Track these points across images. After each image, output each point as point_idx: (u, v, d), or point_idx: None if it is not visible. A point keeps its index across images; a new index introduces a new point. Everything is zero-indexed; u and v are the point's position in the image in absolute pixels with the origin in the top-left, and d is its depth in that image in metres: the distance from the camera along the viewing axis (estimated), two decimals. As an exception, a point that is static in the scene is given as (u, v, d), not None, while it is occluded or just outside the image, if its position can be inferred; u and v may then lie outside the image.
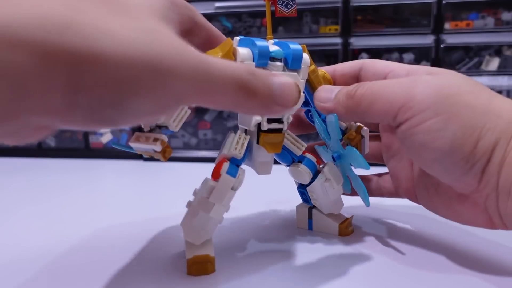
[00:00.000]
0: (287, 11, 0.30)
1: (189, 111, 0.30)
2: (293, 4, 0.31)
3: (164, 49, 0.19)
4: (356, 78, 0.33)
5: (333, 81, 0.34)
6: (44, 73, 0.17)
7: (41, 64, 0.16)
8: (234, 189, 0.29)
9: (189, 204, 0.30)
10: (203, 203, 0.29)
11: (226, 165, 0.29)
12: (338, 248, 0.33)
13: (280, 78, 0.24)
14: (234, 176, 0.29)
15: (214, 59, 0.22)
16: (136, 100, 0.19)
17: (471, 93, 0.26)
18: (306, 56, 0.30)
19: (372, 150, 0.36)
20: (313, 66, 0.31)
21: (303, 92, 0.30)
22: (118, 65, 0.18)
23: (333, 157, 0.34)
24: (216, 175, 0.29)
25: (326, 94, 0.30)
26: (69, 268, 0.30)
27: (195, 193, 0.30)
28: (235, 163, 0.30)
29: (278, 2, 0.30)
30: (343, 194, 0.36)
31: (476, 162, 0.25)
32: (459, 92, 0.26)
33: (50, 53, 0.17)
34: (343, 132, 0.34)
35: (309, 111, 0.35)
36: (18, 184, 0.57)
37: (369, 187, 0.36)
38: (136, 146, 0.31)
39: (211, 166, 0.29)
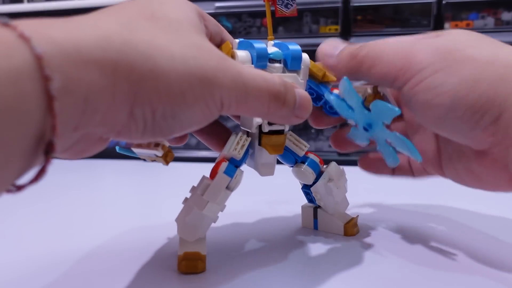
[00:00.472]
0: (287, 11, 0.30)
1: None
2: (293, 4, 0.30)
3: (209, 62, 0.21)
4: None
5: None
6: (111, 89, 0.18)
7: (109, 80, 0.18)
8: (230, 189, 0.29)
9: (185, 201, 0.30)
10: (197, 200, 0.29)
11: (224, 165, 0.29)
12: (343, 248, 0.33)
13: (299, 90, 0.26)
14: (231, 176, 0.29)
15: (250, 70, 0.23)
16: (187, 111, 0.21)
17: (474, 47, 0.26)
18: (306, 56, 0.30)
19: (397, 131, 0.35)
20: (311, 62, 0.31)
21: (310, 87, 0.30)
22: (172, 79, 0.19)
23: (365, 128, 0.30)
24: (213, 174, 0.29)
25: (330, 49, 0.30)
26: (66, 266, 0.30)
27: (192, 190, 0.30)
28: (234, 164, 0.30)
29: (278, 2, 0.30)
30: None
31: (484, 114, 0.24)
32: (460, 47, 0.26)
33: (117, 70, 0.18)
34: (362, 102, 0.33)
35: (325, 103, 0.33)
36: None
37: (399, 167, 0.35)
38: (138, 151, 0.31)
39: (211, 166, 0.29)
